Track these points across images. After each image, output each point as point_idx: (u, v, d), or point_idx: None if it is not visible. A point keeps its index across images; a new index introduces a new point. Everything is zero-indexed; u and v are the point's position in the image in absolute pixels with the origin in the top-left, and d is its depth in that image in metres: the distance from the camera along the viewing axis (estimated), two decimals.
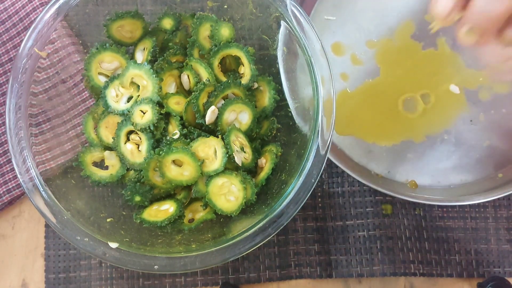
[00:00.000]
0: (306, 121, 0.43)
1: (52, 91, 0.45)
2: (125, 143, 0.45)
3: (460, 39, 0.34)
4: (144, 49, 0.47)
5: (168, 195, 0.46)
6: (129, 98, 0.45)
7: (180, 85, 0.47)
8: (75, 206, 0.42)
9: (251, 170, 0.46)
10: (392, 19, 0.53)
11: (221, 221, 0.46)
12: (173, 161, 0.43)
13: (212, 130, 0.46)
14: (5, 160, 0.51)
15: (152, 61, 0.46)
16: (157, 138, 0.45)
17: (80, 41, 0.49)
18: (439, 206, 0.51)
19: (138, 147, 0.45)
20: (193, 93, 0.44)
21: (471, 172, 0.51)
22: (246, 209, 0.46)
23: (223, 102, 0.45)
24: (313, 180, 0.40)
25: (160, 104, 0.44)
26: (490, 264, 0.50)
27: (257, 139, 0.47)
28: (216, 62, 0.46)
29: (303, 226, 0.51)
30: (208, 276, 0.50)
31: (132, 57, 0.48)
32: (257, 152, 0.47)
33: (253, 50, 0.47)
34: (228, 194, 0.45)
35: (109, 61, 0.46)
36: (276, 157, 0.45)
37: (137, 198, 0.45)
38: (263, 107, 0.47)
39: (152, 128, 0.43)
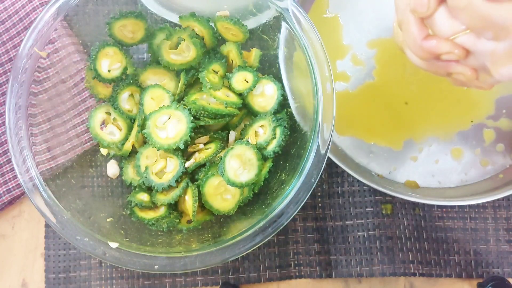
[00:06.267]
0: (306, 121, 0.43)
1: (52, 91, 0.45)
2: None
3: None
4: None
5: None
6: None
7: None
8: (75, 206, 0.42)
9: None
10: (393, 19, 0.53)
11: (221, 221, 0.46)
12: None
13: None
14: (5, 160, 0.51)
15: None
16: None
17: (80, 41, 0.49)
18: (438, 206, 0.51)
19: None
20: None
21: (471, 172, 0.51)
22: (246, 209, 0.46)
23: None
24: (313, 180, 0.40)
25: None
26: (489, 265, 0.50)
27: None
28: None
29: (303, 226, 0.51)
30: (208, 276, 0.50)
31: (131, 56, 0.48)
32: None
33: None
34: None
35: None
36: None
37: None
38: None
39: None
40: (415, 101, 0.52)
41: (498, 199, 0.51)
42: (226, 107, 0.46)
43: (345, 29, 0.53)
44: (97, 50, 0.45)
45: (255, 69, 0.48)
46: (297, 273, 0.50)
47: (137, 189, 0.47)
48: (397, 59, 0.53)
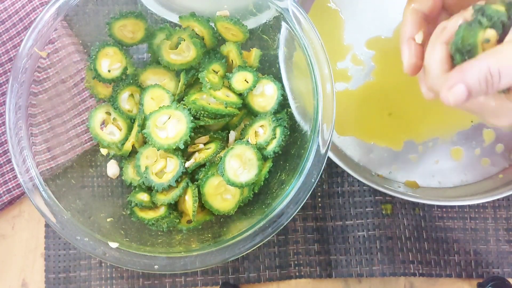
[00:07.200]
0: (306, 120, 0.43)
1: (52, 91, 0.45)
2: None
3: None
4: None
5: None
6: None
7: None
8: (75, 206, 0.43)
9: None
10: (392, 19, 0.53)
11: (221, 221, 0.46)
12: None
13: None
14: (5, 160, 0.51)
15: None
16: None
17: (80, 41, 0.49)
18: (438, 206, 0.51)
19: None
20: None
21: (471, 172, 0.51)
22: (246, 209, 0.46)
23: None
24: (313, 180, 0.40)
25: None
26: (489, 265, 0.50)
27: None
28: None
29: (303, 226, 0.51)
30: (208, 276, 0.50)
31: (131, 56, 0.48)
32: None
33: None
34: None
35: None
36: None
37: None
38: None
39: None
40: (415, 101, 0.52)
41: (498, 199, 0.51)
42: (226, 107, 0.46)
43: (345, 29, 0.53)
44: (97, 50, 0.45)
45: (255, 69, 0.48)
46: (297, 273, 0.50)
47: (137, 189, 0.47)
48: (396, 59, 0.53)
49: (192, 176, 0.46)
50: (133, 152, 0.48)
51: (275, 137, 0.44)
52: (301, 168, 0.40)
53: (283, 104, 0.47)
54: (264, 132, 0.46)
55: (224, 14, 0.47)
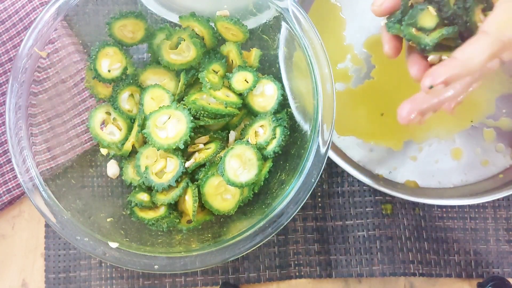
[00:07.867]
0: (306, 120, 0.43)
1: (52, 91, 0.45)
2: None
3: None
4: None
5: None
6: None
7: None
8: (75, 206, 0.43)
9: None
10: None
11: (221, 221, 0.46)
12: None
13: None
14: (5, 160, 0.51)
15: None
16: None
17: (80, 41, 0.49)
18: (438, 206, 0.51)
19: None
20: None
21: (471, 172, 0.51)
22: (246, 209, 0.46)
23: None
24: (313, 180, 0.40)
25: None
26: (489, 265, 0.50)
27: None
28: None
29: (303, 226, 0.51)
30: (208, 276, 0.50)
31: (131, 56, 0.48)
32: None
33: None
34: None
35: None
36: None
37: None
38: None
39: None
40: None
41: (498, 199, 0.51)
42: (226, 107, 0.46)
43: (345, 29, 0.53)
44: (97, 50, 0.45)
45: (255, 69, 0.48)
46: (297, 273, 0.50)
47: (137, 189, 0.47)
48: (397, 59, 0.52)
49: (192, 176, 0.46)
50: (133, 152, 0.48)
51: (275, 137, 0.44)
52: (301, 168, 0.40)
53: (283, 104, 0.47)
54: (264, 132, 0.46)
55: (224, 14, 0.47)
